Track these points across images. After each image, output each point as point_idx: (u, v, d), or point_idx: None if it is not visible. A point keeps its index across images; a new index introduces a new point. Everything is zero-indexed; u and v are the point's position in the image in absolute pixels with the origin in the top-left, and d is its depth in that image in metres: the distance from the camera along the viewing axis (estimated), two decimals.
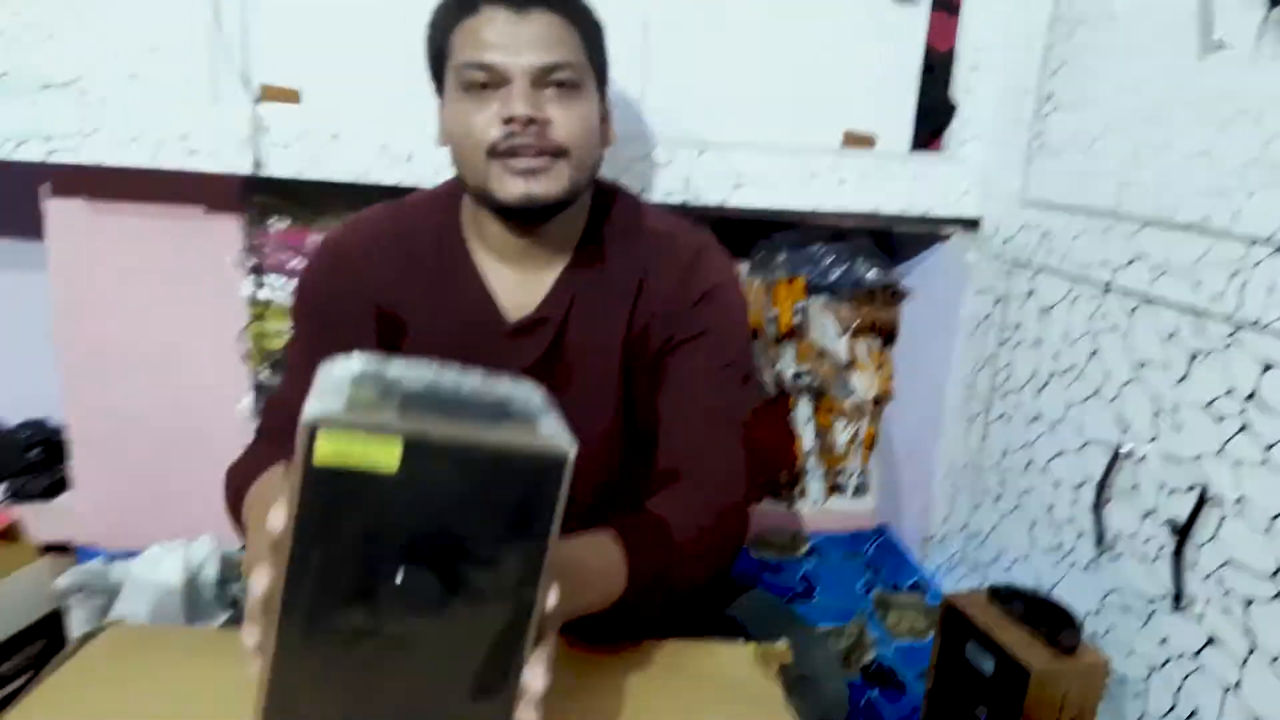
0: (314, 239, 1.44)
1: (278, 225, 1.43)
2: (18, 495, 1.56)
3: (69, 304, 1.41)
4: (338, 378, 0.45)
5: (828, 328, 1.63)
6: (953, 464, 1.49)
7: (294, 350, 0.90)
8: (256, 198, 1.41)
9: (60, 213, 1.37)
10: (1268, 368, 0.91)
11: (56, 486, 1.58)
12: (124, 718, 0.62)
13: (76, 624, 1.24)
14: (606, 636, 0.75)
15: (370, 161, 1.28)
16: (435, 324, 0.87)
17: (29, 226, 1.59)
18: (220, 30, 1.22)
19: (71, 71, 1.18)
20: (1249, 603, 0.93)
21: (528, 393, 0.50)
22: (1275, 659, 0.89)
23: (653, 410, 0.88)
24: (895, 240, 1.67)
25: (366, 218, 0.92)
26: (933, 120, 1.49)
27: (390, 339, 0.86)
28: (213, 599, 1.39)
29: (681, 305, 0.86)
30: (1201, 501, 0.97)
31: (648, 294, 0.87)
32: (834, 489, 1.73)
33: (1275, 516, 0.90)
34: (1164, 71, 1.09)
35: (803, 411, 1.67)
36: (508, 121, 0.77)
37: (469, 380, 0.49)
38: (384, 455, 0.42)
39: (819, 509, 1.71)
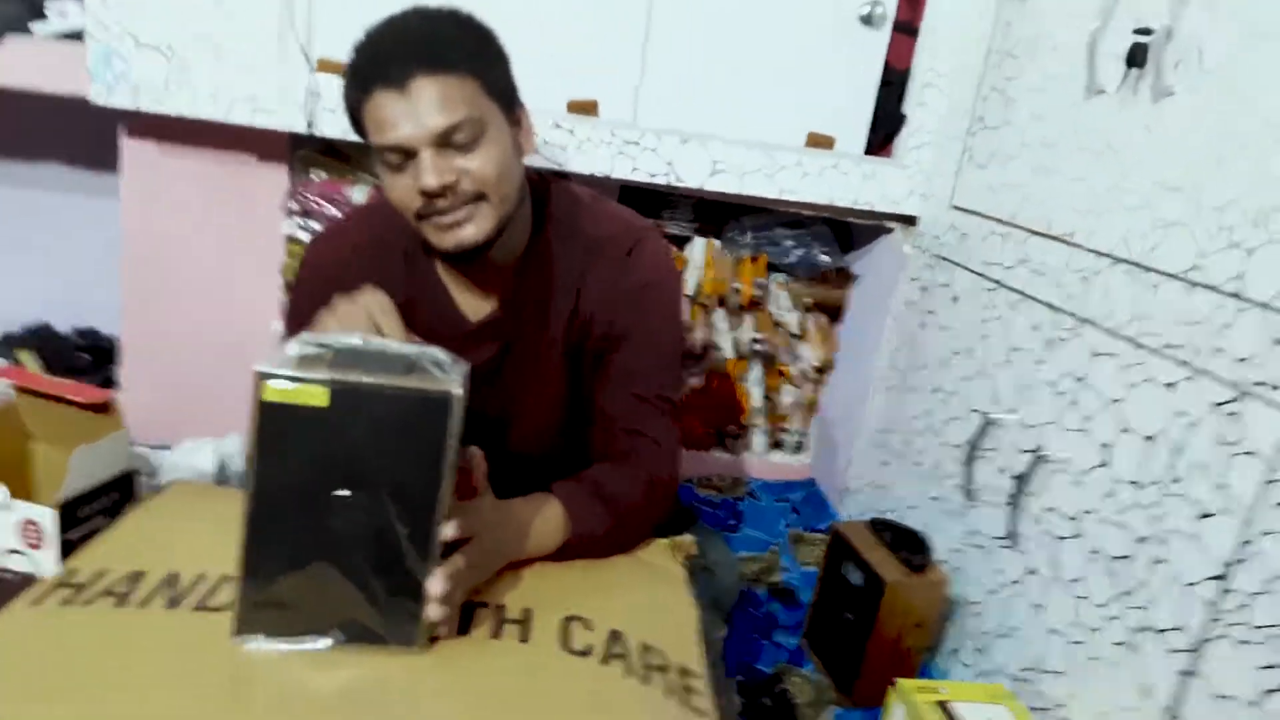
0: (348, 190, 1.68)
1: (317, 176, 1.67)
2: None
3: (135, 231, 1.64)
4: (294, 343, 0.68)
5: (783, 302, 1.86)
6: (874, 427, 1.73)
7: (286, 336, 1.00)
8: (301, 151, 1.65)
9: (134, 152, 1.59)
10: (1095, 355, 1.14)
11: (104, 387, 1.84)
12: (180, 550, 0.84)
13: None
14: None
15: None
16: (408, 327, 1.00)
17: (93, 159, 1.84)
18: (289, 8, 1.45)
19: (161, 35, 1.41)
20: (1060, 539, 1.16)
21: (436, 354, 0.70)
22: (1069, 582, 1.13)
23: (594, 393, 1.00)
24: (851, 230, 1.89)
25: (344, 231, 1.04)
26: (886, 128, 1.70)
27: None
28: (240, 486, 1.66)
29: (617, 304, 0.96)
30: (1036, 460, 1.21)
31: (586, 293, 0.97)
32: (776, 445, 1.97)
33: (1084, 473, 1.13)
34: (1061, 105, 1.30)
35: (755, 374, 1.91)
36: (424, 194, 0.84)
37: (391, 345, 0.70)
38: (315, 396, 0.64)
39: (761, 460, 1.95)
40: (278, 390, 0.65)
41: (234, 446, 1.64)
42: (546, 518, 0.88)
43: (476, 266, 0.96)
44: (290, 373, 0.65)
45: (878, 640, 1.23)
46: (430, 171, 0.83)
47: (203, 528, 0.88)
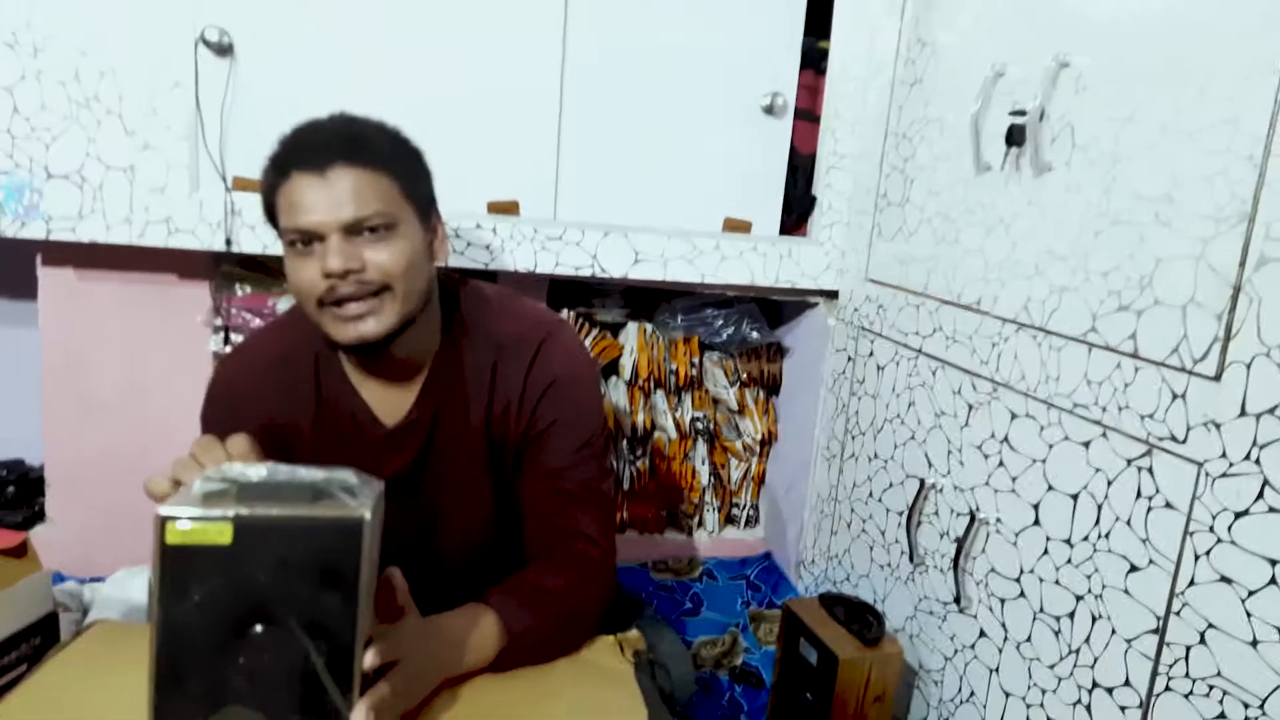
0: (272, 302, 1.68)
1: (241, 291, 1.67)
2: None
3: (56, 359, 1.61)
4: (198, 479, 0.65)
5: (720, 379, 1.90)
6: (819, 497, 1.75)
7: None
8: (224, 267, 1.65)
9: (52, 279, 1.58)
10: (1014, 417, 1.19)
11: (31, 520, 1.72)
12: (101, 700, 0.81)
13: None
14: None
15: None
16: (322, 435, 0.97)
17: (12, 287, 1.81)
18: (201, 132, 1.46)
19: (74, 164, 1.41)
20: (1003, 601, 1.19)
21: (346, 478, 0.66)
22: (1019, 644, 1.15)
23: (520, 491, 1.00)
24: (780, 306, 1.95)
25: (253, 346, 1.04)
26: (798, 209, 1.77)
27: (284, 454, 0.93)
28: None
29: (532, 400, 0.96)
30: (972, 522, 1.24)
31: (500, 392, 0.97)
32: (728, 520, 1.98)
33: (1019, 533, 1.16)
34: (955, 182, 1.37)
35: (700, 452, 1.93)
36: (327, 276, 0.84)
37: (299, 473, 0.66)
38: (218, 534, 0.62)
39: (715, 538, 1.96)
40: (182, 531, 0.62)
41: None
42: (479, 627, 0.86)
43: (386, 368, 0.95)
44: (194, 512, 0.62)
45: (839, 718, 1.23)
46: (335, 255, 0.84)
47: (123, 673, 0.84)
